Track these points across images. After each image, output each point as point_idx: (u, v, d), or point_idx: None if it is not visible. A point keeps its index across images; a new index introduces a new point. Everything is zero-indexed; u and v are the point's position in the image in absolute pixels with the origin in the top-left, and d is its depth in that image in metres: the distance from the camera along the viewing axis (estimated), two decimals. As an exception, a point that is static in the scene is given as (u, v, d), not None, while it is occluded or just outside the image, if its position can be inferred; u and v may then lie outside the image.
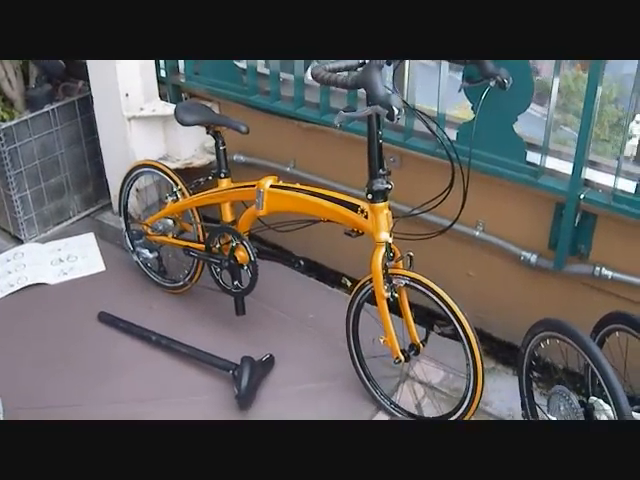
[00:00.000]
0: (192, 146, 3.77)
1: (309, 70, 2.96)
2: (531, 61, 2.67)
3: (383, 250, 2.55)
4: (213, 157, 3.69)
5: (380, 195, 2.52)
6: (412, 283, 2.58)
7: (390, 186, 2.51)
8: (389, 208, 2.55)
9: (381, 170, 2.51)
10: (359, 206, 2.60)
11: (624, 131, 2.65)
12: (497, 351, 3.13)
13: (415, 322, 2.75)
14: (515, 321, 3.03)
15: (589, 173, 2.70)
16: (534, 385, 2.71)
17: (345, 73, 2.44)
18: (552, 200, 2.79)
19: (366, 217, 2.57)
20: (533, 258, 2.90)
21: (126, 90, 3.54)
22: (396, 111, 2.10)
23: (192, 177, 3.37)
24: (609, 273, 2.74)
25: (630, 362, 2.37)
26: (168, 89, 3.80)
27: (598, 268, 2.75)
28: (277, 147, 3.57)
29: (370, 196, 2.52)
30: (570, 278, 2.88)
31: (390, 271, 2.59)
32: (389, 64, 2.41)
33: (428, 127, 2.48)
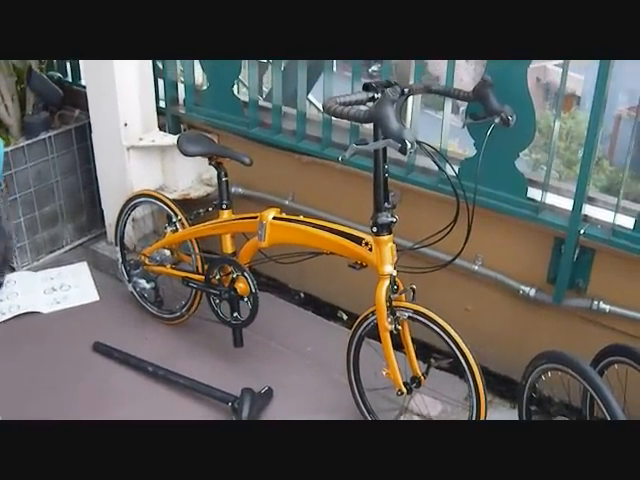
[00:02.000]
0: (189, 177, 3.79)
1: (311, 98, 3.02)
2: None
3: (387, 283, 2.56)
4: (210, 189, 3.74)
5: (385, 228, 2.54)
6: (415, 315, 2.60)
7: (395, 219, 2.54)
8: (393, 241, 2.58)
9: (386, 204, 2.54)
10: (363, 239, 2.62)
11: (624, 171, 2.71)
12: (493, 384, 3.14)
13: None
14: (512, 355, 3.07)
15: (588, 209, 2.76)
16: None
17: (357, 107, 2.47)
18: (551, 235, 2.83)
19: (370, 250, 2.59)
20: (532, 292, 2.93)
21: (125, 120, 3.55)
22: (409, 145, 2.13)
23: (188, 208, 3.38)
24: (607, 307, 2.78)
25: (629, 394, 2.40)
26: (167, 120, 3.81)
27: (596, 302, 2.79)
28: (276, 180, 3.59)
29: (375, 229, 2.54)
30: (568, 312, 2.91)
31: (394, 303, 2.61)
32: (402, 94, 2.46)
33: (435, 163, 2.52)
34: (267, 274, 3.80)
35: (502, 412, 3.06)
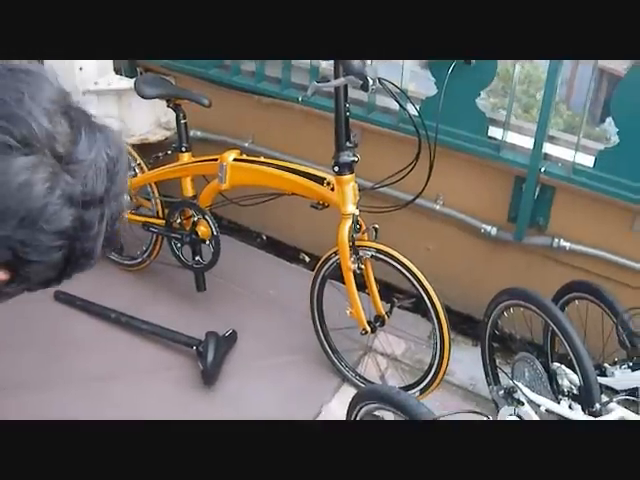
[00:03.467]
0: (147, 121, 3.72)
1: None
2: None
3: (350, 222, 2.56)
4: (168, 133, 3.68)
5: (347, 167, 2.53)
6: (378, 254, 2.61)
7: (357, 158, 2.53)
8: (355, 181, 2.57)
9: (348, 143, 2.53)
10: (325, 179, 2.61)
11: (584, 109, 2.72)
12: (456, 323, 3.17)
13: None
14: (474, 293, 3.10)
15: (548, 147, 2.77)
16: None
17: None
18: (511, 173, 2.85)
19: (332, 189, 2.58)
20: (493, 231, 2.95)
21: (80, 64, 3.45)
22: (371, 82, 2.11)
23: (146, 153, 3.33)
24: (567, 244, 2.82)
25: (589, 329, 2.44)
26: (123, 63, 3.72)
27: (556, 240, 2.83)
28: (235, 122, 3.54)
29: (337, 168, 2.53)
30: (529, 250, 2.95)
31: (357, 243, 2.61)
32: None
33: (397, 101, 2.50)
34: (228, 218, 3.78)
35: (465, 350, 3.11)
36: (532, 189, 2.77)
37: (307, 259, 3.62)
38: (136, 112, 3.64)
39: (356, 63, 2.13)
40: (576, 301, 2.57)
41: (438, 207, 3.06)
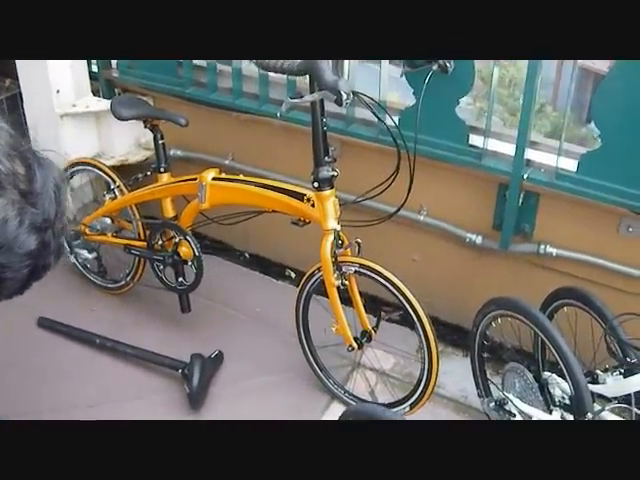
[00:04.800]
0: (127, 142, 3.68)
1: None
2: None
3: (332, 238, 2.52)
4: (148, 153, 3.64)
5: (326, 183, 2.49)
6: (362, 270, 2.57)
7: (336, 173, 2.50)
8: (335, 196, 2.53)
9: (326, 158, 2.49)
10: (305, 195, 2.57)
11: (565, 113, 2.69)
12: (445, 334, 3.15)
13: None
14: (462, 303, 3.07)
15: (531, 153, 2.74)
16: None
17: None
18: (495, 181, 2.82)
19: (313, 206, 2.54)
20: (478, 240, 2.92)
21: (57, 86, 3.43)
22: (344, 96, 2.08)
23: (127, 174, 3.30)
24: (553, 250, 2.79)
25: (579, 336, 2.41)
26: (100, 84, 3.69)
27: (542, 246, 2.80)
28: (214, 140, 3.51)
29: (316, 184, 2.49)
30: (515, 257, 2.91)
31: (339, 259, 2.57)
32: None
33: (374, 113, 2.46)
34: (212, 236, 3.73)
35: (456, 361, 3.07)
36: (516, 196, 2.74)
37: (293, 275, 3.58)
38: (115, 133, 3.61)
39: (330, 78, 2.09)
40: (565, 308, 2.53)
41: (422, 218, 3.02)
